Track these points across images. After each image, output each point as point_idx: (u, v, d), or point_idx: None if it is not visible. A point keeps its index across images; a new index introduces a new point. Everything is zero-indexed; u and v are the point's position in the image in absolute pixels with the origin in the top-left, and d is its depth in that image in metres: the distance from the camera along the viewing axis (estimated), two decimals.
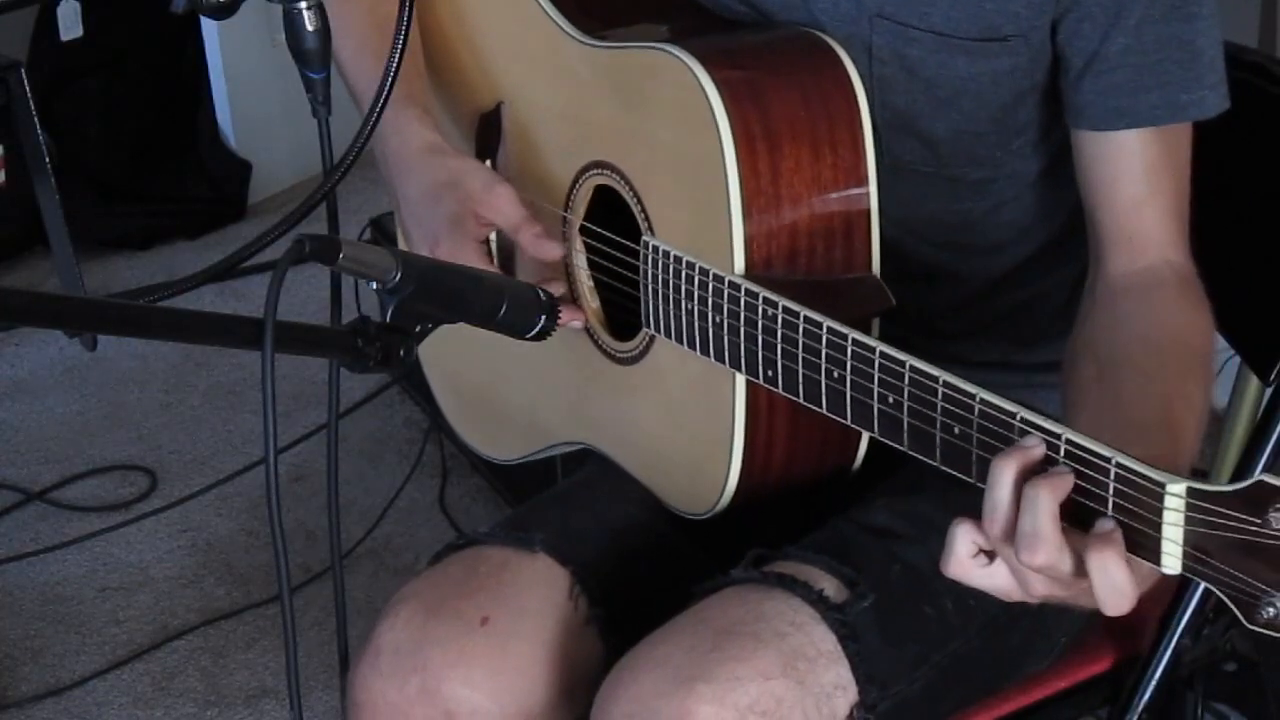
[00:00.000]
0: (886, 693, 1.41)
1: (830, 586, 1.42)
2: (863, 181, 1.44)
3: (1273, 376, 1.62)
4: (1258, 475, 1.02)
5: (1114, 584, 1.09)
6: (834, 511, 1.52)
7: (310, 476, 2.92)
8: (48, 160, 2.59)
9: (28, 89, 2.58)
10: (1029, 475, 1.12)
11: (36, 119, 2.58)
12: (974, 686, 1.52)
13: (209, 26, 3.64)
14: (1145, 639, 1.59)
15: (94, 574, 2.75)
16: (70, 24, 3.53)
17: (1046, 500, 1.10)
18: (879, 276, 1.45)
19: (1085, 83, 1.43)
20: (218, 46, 3.64)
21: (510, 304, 1.37)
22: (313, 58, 1.38)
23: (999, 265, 1.59)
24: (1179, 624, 1.54)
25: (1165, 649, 1.56)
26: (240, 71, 3.68)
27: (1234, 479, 1.53)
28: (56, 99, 3.53)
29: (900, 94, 1.48)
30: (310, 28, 1.37)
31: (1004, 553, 1.14)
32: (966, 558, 1.15)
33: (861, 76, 1.44)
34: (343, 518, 2.76)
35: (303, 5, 1.37)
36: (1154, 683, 1.57)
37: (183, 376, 3.22)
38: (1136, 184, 1.44)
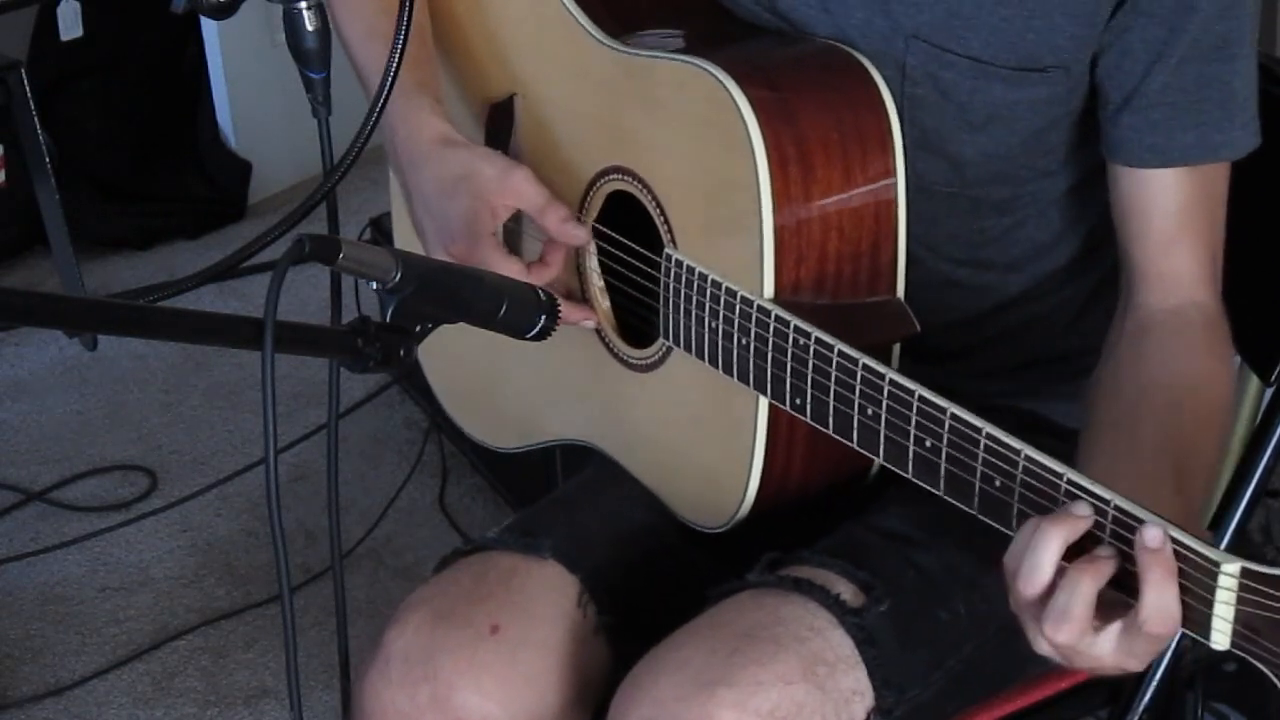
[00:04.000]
0: (902, 697, 1.41)
1: (846, 591, 1.41)
2: (892, 205, 1.42)
3: (1273, 377, 1.62)
4: None
5: (1165, 606, 1.10)
6: (845, 516, 1.52)
7: (310, 476, 2.92)
8: (48, 160, 2.60)
9: (28, 89, 2.58)
10: (1073, 543, 1.12)
11: (36, 119, 2.58)
12: (981, 688, 1.52)
13: (209, 26, 3.64)
14: None
15: (94, 574, 2.74)
16: (70, 24, 3.53)
17: (1088, 587, 1.11)
18: (903, 299, 1.44)
19: (1123, 118, 1.42)
20: (218, 46, 3.64)
21: (510, 304, 1.37)
22: (313, 58, 1.38)
23: (1016, 282, 1.57)
24: None
25: (1166, 649, 1.56)
26: (240, 71, 3.68)
27: (1234, 479, 1.54)
28: (56, 99, 3.53)
29: (931, 115, 1.46)
30: (310, 28, 1.38)
31: (1031, 611, 1.14)
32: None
33: (893, 95, 1.42)
34: (343, 518, 2.76)
35: (303, 5, 1.37)
36: (1154, 683, 1.56)
37: (183, 376, 3.22)
38: (1169, 222, 1.43)
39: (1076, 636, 1.12)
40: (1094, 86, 1.44)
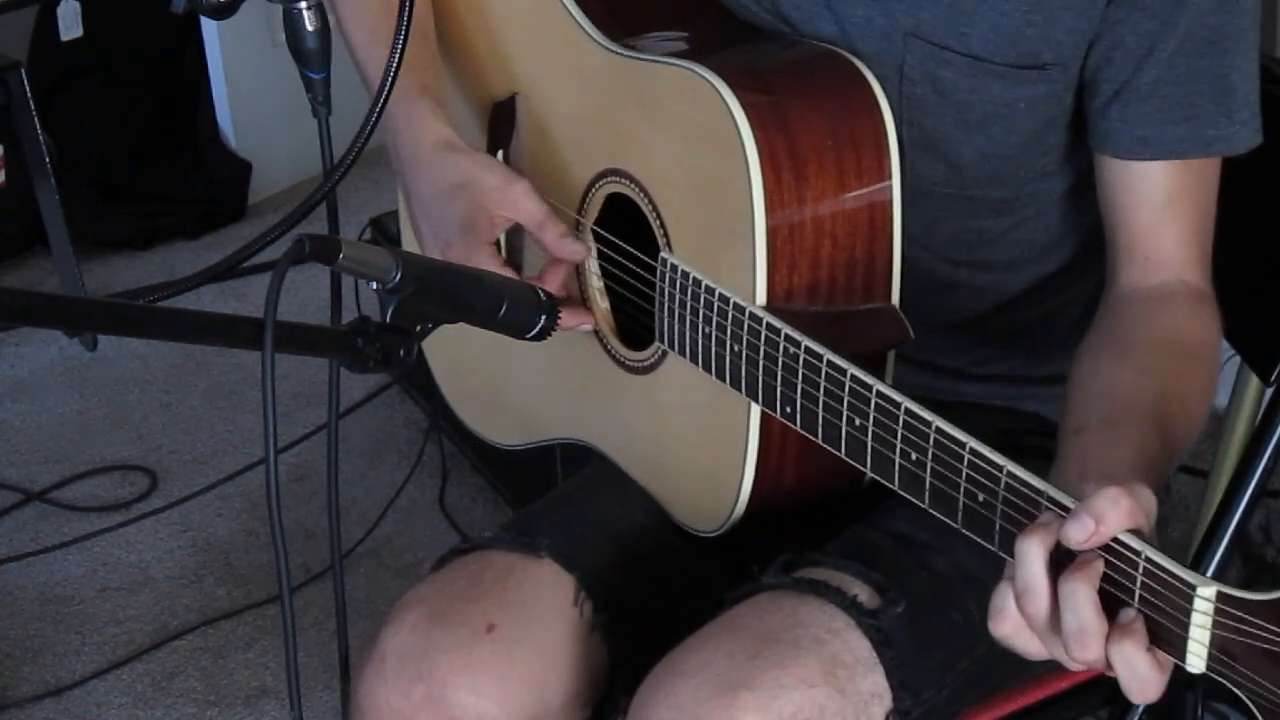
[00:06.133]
0: (919, 699, 1.40)
1: (862, 593, 1.41)
2: (887, 211, 1.42)
3: (1273, 377, 1.62)
4: None
5: (1136, 673, 1.09)
6: (842, 519, 1.51)
7: (310, 476, 2.92)
8: (48, 160, 2.60)
9: (28, 89, 2.58)
10: (1056, 552, 1.11)
11: (36, 119, 2.58)
12: (988, 689, 1.52)
13: (209, 26, 3.64)
14: None
15: (94, 574, 2.74)
16: (70, 24, 3.53)
17: (1086, 594, 1.09)
18: (898, 306, 1.44)
19: (1113, 110, 1.42)
20: (218, 46, 3.64)
21: (511, 304, 1.37)
22: (313, 58, 1.38)
23: (1015, 282, 1.57)
24: None
25: None
26: (240, 71, 3.68)
27: (1234, 480, 1.54)
28: (56, 99, 3.53)
29: (929, 115, 1.46)
30: (310, 28, 1.38)
31: (1049, 641, 1.12)
32: (1018, 616, 1.13)
33: (890, 95, 1.42)
34: (343, 518, 2.76)
35: (303, 5, 1.37)
36: None
37: (183, 376, 3.22)
38: (1156, 209, 1.42)
39: (1101, 646, 1.10)
40: (1083, 81, 1.44)
